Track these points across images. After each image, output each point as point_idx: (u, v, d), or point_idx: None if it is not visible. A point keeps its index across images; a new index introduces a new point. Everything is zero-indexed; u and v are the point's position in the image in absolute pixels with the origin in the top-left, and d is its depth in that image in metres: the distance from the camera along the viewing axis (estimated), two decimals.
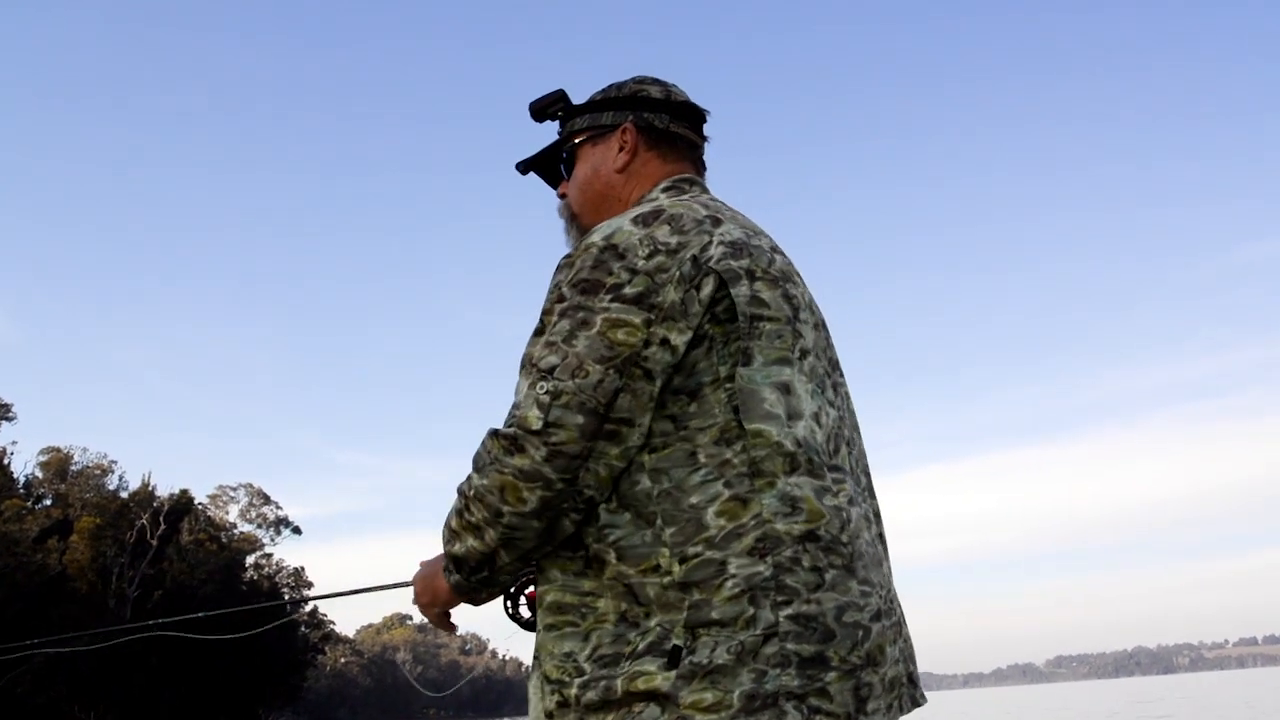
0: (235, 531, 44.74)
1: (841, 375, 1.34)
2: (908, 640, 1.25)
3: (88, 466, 40.82)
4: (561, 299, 1.19)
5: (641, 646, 1.11)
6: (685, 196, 1.33)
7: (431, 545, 1.36)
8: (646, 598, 1.12)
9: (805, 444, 1.17)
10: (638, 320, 1.14)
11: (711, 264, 1.18)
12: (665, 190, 1.38)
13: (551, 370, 1.13)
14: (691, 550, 1.11)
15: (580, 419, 1.11)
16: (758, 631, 1.08)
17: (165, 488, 40.74)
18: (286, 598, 43.23)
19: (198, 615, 2.02)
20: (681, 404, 1.16)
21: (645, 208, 1.25)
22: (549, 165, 1.53)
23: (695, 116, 1.46)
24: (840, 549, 1.14)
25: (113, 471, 40.87)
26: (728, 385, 1.16)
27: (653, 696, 1.08)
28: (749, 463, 1.13)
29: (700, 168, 1.47)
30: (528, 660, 1.24)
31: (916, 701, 1.22)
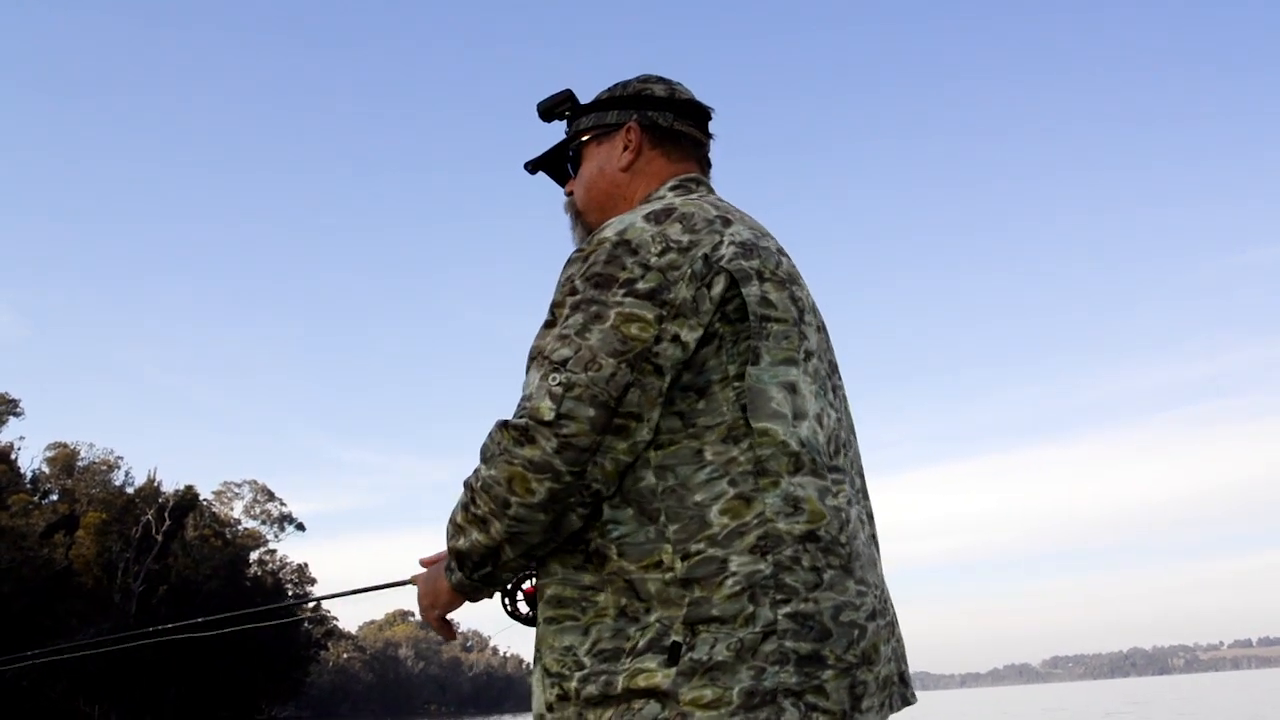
0: (240, 528, 45.00)
1: (840, 378, 1.36)
2: (900, 640, 1.26)
3: (94, 462, 41.11)
4: (574, 292, 1.19)
5: (641, 643, 1.12)
6: (694, 196, 1.34)
7: (433, 543, 1.38)
8: (647, 593, 1.13)
9: (809, 444, 1.18)
10: (650, 316, 1.14)
11: (723, 263, 1.19)
12: (673, 189, 1.38)
13: (564, 362, 1.13)
14: (694, 547, 1.12)
15: (592, 412, 1.11)
16: (757, 629, 1.09)
17: (170, 484, 41.04)
18: (287, 599, 43.48)
19: (197, 621, 2.00)
20: (690, 401, 1.16)
21: (656, 205, 1.26)
22: (556, 164, 1.54)
23: (700, 115, 1.47)
24: (839, 549, 1.15)
25: (119, 467, 41.24)
26: (736, 384, 1.17)
27: (653, 693, 1.09)
28: (754, 461, 1.14)
29: (705, 166, 1.48)
30: (528, 657, 1.23)
31: (907, 700, 1.24)
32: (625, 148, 1.43)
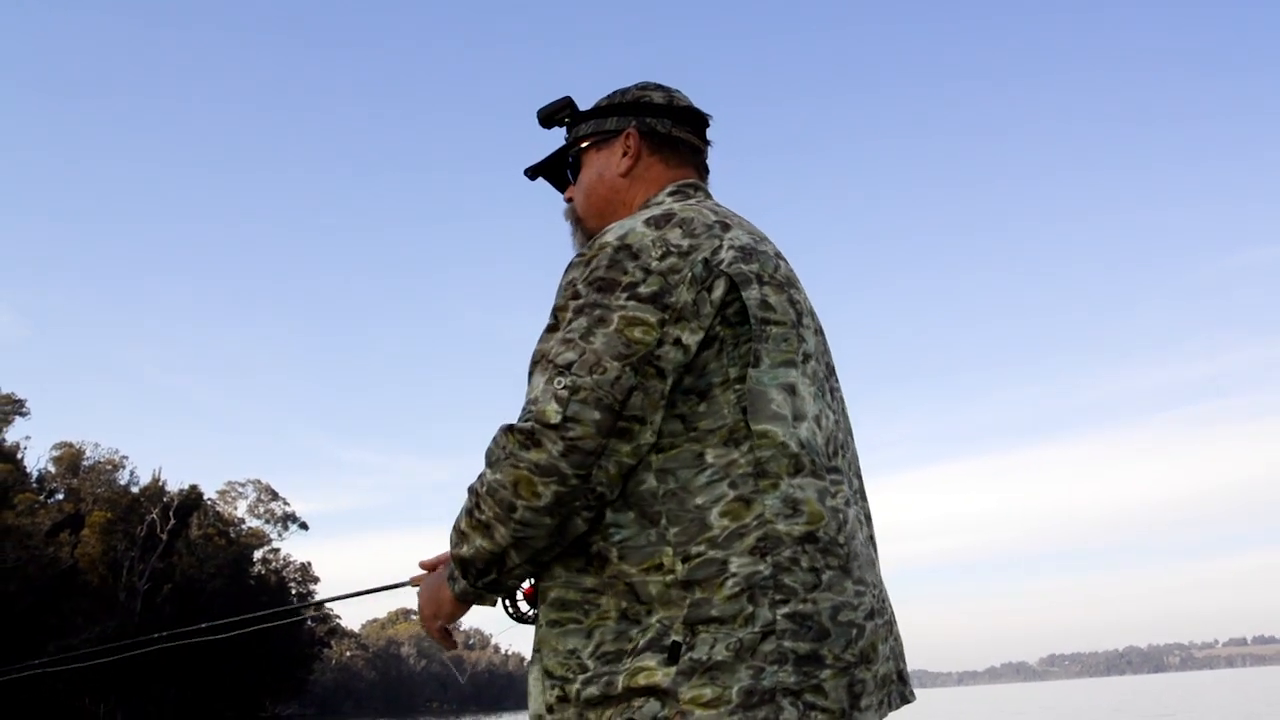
0: (243, 527, 45.06)
1: (837, 380, 1.36)
2: (898, 639, 1.27)
3: (99, 462, 41.32)
4: (577, 296, 1.19)
5: (642, 643, 1.13)
6: (692, 201, 1.35)
7: (434, 542, 1.37)
8: (648, 595, 1.14)
9: (808, 445, 1.19)
10: (653, 319, 1.15)
11: (723, 267, 1.20)
12: (671, 195, 1.39)
13: (569, 366, 1.14)
14: (695, 549, 1.13)
15: (597, 415, 1.11)
16: (756, 629, 1.09)
17: (175, 483, 41.16)
18: (291, 598, 43.69)
19: (201, 626, 2.02)
20: (691, 404, 1.17)
21: (656, 211, 1.26)
22: (556, 170, 1.55)
23: (698, 121, 1.48)
24: (837, 550, 1.16)
25: (124, 467, 41.42)
26: (737, 386, 1.17)
27: (652, 692, 1.10)
28: (754, 463, 1.15)
29: (703, 172, 1.49)
30: (529, 655, 1.25)
31: (905, 698, 1.24)
32: (624, 154, 1.44)
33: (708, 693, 1.08)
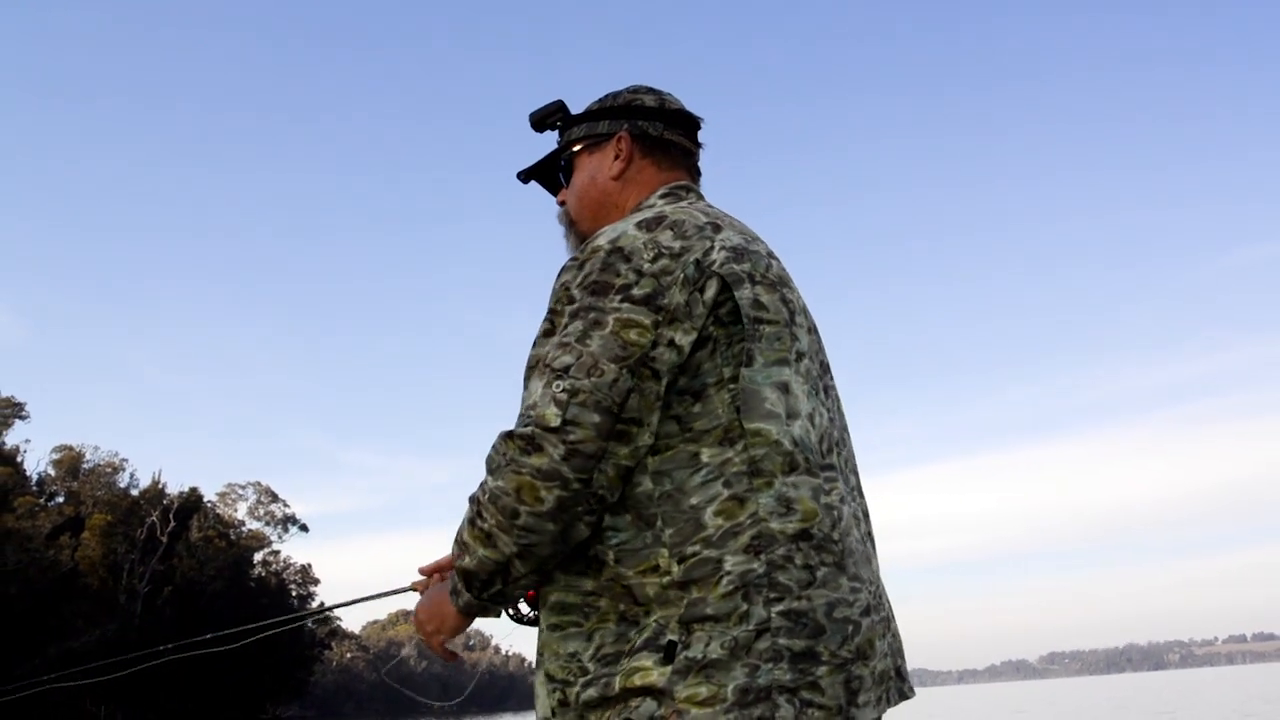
0: (244, 529, 45.01)
1: (832, 378, 1.36)
2: (896, 635, 1.27)
3: (99, 465, 41.27)
4: (571, 300, 1.20)
5: (638, 642, 1.13)
6: (683, 203, 1.35)
7: (433, 543, 1.37)
8: (645, 597, 1.14)
9: (801, 443, 1.19)
10: (647, 321, 1.15)
11: (715, 268, 1.20)
12: (663, 197, 1.40)
13: (567, 369, 1.14)
14: (690, 550, 1.13)
15: (597, 418, 1.11)
16: (750, 627, 1.10)
17: (175, 486, 41.09)
18: (291, 600, 43.70)
19: (206, 637, 2.04)
20: (686, 404, 1.17)
21: (647, 213, 1.27)
22: (548, 174, 1.56)
23: (689, 124, 1.48)
24: (831, 547, 1.16)
25: (124, 470, 41.36)
26: (731, 386, 1.18)
27: (648, 691, 1.10)
28: (749, 462, 1.15)
29: (695, 174, 1.49)
30: (531, 656, 1.22)
31: (904, 694, 1.25)
32: (616, 157, 1.45)
33: (703, 691, 1.08)
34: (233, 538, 43.21)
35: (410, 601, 1.49)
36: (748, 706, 1.07)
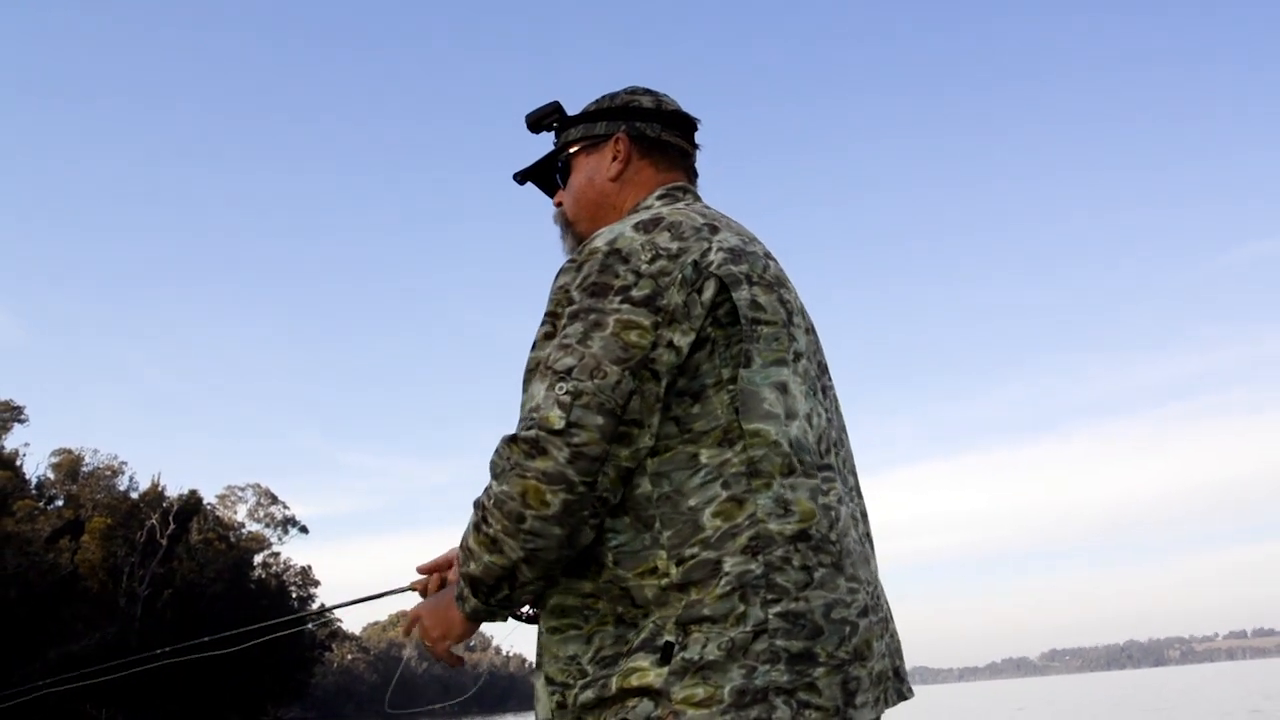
0: (243, 531, 45.02)
1: (830, 379, 1.36)
2: (894, 635, 1.27)
3: (98, 468, 41.24)
4: (570, 302, 1.20)
5: (636, 643, 1.13)
6: (680, 204, 1.35)
7: (433, 544, 1.35)
8: (644, 599, 1.14)
9: (799, 443, 1.19)
10: (647, 322, 1.15)
11: (712, 269, 1.20)
12: (660, 198, 1.40)
13: (569, 371, 1.13)
14: (688, 551, 1.13)
15: (600, 420, 1.11)
16: (747, 628, 1.09)
17: (174, 488, 41.14)
18: (291, 602, 43.66)
19: (204, 640, 2.04)
20: (685, 406, 1.17)
21: (644, 215, 1.27)
22: (545, 175, 1.55)
23: (686, 125, 1.48)
24: (829, 547, 1.16)
25: (123, 473, 41.32)
26: (730, 387, 1.18)
27: (645, 692, 1.10)
28: (747, 462, 1.15)
29: (692, 175, 1.49)
30: (531, 656, 1.22)
31: (903, 695, 1.24)
32: (614, 158, 1.45)
33: (700, 692, 1.08)
34: (232, 540, 43.20)
35: (410, 601, 1.49)
36: (744, 708, 1.07)
